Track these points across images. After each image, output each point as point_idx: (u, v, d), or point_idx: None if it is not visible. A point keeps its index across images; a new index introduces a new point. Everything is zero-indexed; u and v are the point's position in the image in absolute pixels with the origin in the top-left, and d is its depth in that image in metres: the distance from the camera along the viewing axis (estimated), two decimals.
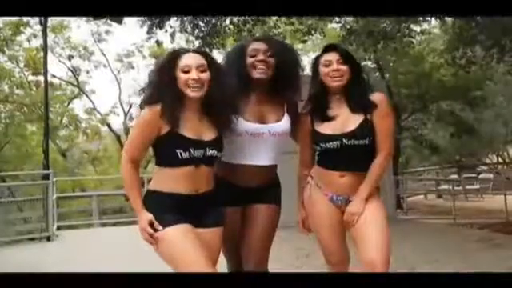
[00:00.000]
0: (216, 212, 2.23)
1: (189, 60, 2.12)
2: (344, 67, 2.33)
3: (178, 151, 2.09)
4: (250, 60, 2.34)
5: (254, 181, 2.42)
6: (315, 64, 2.41)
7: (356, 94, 2.36)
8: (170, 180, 2.13)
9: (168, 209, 2.11)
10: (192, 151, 2.11)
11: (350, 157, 2.34)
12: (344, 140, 2.32)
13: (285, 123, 2.42)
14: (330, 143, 2.34)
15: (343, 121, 2.35)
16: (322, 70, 2.36)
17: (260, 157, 2.40)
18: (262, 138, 2.37)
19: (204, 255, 2.06)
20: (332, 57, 2.35)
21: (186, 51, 2.19)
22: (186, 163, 2.11)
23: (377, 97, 2.37)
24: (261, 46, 2.36)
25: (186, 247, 2.05)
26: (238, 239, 2.42)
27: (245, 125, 2.33)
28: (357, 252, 2.31)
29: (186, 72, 2.10)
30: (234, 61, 2.39)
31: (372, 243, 2.25)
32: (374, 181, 2.36)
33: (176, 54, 2.17)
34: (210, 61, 2.17)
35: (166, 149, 2.12)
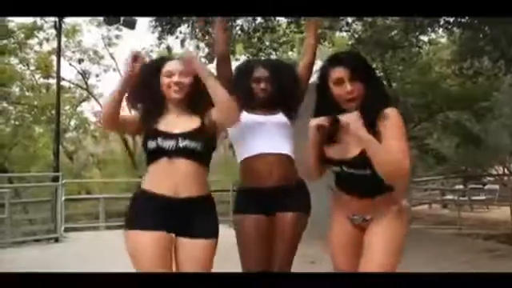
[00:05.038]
0: (208, 222, 2.21)
1: (171, 66, 2.25)
2: (357, 84, 2.08)
3: (147, 143, 2.18)
4: (253, 84, 2.62)
5: (273, 176, 2.50)
6: (323, 78, 2.16)
7: (369, 113, 2.07)
8: (151, 178, 2.20)
9: (151, 212, 2.13)
10: (159, 141, 2.15)
11: (352, 183, 2.20)
12: (344, 167, 2.16)
13: (281, 116, 2.63)
14: (332, 168, 2.22)
15: (347, 145, 2.14)
16: (334, 89, 2.11)
17: (271, 144, 2.55)
18: (266, 127, 2.57)
19: (166, 267, 2.11)
20: (342, 73, 2.08)
21: (171, 59, 2.33)
22: (156, 155, 2.17)
23: (385, 115, 2.08)
24: (264, 73, 2.62)
25: (149, 255, 2.08)
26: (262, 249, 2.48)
27: (248, 115, 2.58)
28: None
29: (169, 76, 2.23)
30: (241, 79, 2.66)
31: (371, 260, 2.15)
32: (375, 145, 2.00)
33: (161, 61, 2.31)
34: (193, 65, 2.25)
35: (143, 146, 2.22)
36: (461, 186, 14.93)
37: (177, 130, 2.18)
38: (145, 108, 2.26)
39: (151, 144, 2.16)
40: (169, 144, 2.14)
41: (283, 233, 2.49)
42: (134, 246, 2.12)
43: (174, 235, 2.17)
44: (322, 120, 2.10)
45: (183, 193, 2.15)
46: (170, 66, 2.25)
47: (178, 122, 2.22)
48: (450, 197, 13.70)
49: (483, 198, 14.04)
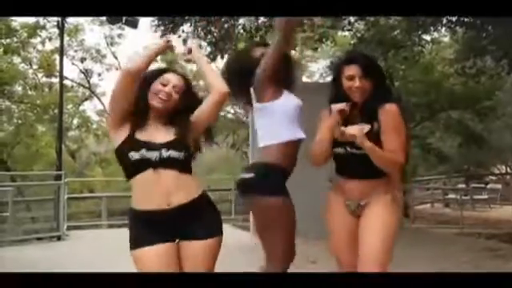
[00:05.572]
0: (206, 222, 2.22)
1: (171, 77, 2.26)
2: (366, 82, 2.37)
3: (129, 154, 2.13)
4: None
5: (295, 161, 2.59)
6: (338, 73, 2.46)
7: (372, 106, 2.39)
8: (140, 193, 2.16)
9: (146, 227, 2.13)
10: (144, 152, 2.12)
11: (353, 164, 2.41)
12: (347, 148, 2.39)
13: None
14: (336, 149, 2.43)
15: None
16: (345, 83, 2.41)
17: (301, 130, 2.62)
18: (300, 111, 2.63)
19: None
20: (354, 71, 2.38)
21: (172, 71, 2.35)
22: (141, 167, 2.13)
23: (384, 109, 2.37)
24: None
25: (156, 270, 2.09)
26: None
27: (291, 97, 2.61)
28: None
29: (164, 85, 2.23)
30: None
31: (365, 251, 2.31)
32: (375, 151, 2.29)
33: (162, 71, 2.32)
34: (188, 85, 2.31)
35: (123, 156, 2.16)
36: (463, 185, 14.92)
37: (159, 140, 2.18)
38: (135, 109, 2.23)
39: (135, 155, 2.12)
40: (153, 155, 2.12)
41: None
42: (140, 266, 2.14)
43: (176, 244, 2.17)
44: (343, 105, 2.39)
45: (174, 202, 2.14)
46: (169, 76, 2.26)
47: (157, 133, 2.21)
48: (452, 196, 13.70)
49: (485, 197, 14.04)
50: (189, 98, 2.28)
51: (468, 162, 17.70)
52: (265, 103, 2.57)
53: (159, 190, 2.12)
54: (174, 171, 2.14)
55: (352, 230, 2.43)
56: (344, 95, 2.42)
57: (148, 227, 2.14)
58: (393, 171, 2.37)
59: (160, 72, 2.30)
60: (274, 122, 2.55)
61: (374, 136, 2.32)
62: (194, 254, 2.16)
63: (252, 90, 2.63)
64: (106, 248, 6.51)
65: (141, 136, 2.18)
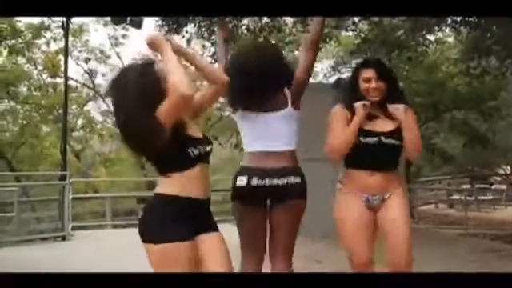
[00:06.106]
0: (212, 217, 2.29)
1: None
2: (381, 84, 2.62)
3: (189, 150, 2.13)
4: None
5: None
6: (355, 76, 2.71)
7: (389, 103, 2.62)
8: (183, 184, 2.13)
9: (176, 215, 2.09)
10: (201, 148, 2.17)
11: (383, 155, 2.57)
12: (382, 138, 2.57)
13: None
14: (370, 138, 2.57)
15: (382, 121, 2.63)
16: (362, 85, 2.65)
17: None
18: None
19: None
20: (370, 74, 2.62)
21: None
22: (196, 161, 2.15)
23: (407, 109, 2.64)
24: None
25: (185, 265, 2.06)
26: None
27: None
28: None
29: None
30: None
31: (396, 245, 2.44)
32: (408, 123, 2.58)
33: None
34: None
35: (176, 150, 2.12)
36: (467, 186, 14.87)
37: (200, 136, 2.23)
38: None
39: (194, 151, 2.14)
40: (202, 149, 2.18)
41: None
42: (166, 259, 2.06)
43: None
44: (364, 102, 2.60)
45: (208, 193, 2.22)
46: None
47: (192, 127, 2.22)
48: (456, 196, 13.66)
49: (490, 197, 13.99)
50: None
51: (472, 162, 17.65)
52: (299, 110, 2.62)
53: (204, 183, 2.18)
54: (207, 164, 2.23)
55: (370, 225, 2.56)
56: (361, 95, 2.64)
57: (179, 215, 2.09)
58: (414, 153, 2.63)
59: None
60: (298, 129, 2.62)
61: (397, 131, 2.57)
62: (217, 248, 2.18)
63: (288, 92, 2.58)
64: (111, 248, 6.53)
65: (190, 131, 2.19)
